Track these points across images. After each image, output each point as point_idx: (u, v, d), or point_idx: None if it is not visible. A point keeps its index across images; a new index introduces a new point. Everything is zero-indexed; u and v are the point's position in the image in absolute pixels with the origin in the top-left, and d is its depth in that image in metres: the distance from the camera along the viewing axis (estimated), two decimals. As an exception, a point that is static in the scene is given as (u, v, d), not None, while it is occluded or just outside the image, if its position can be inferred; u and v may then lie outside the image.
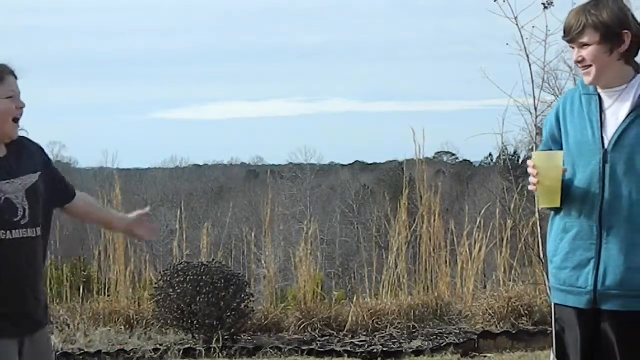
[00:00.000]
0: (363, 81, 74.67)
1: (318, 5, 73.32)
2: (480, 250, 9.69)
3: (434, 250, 9.81)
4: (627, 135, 3.56)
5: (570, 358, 3.71)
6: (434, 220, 9.84)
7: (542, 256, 9.21)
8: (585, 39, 3.60)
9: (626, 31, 3.58)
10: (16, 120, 3.81)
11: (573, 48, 3.67)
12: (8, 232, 3.73)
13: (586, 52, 3.61)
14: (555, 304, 3.78)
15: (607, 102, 3.65)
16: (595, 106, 3.65)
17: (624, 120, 3.58)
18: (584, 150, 3.62)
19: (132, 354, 8.40)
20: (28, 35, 69.18)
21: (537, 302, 9.12)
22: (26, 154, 3.89)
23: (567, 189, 3.65)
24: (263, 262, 11.03)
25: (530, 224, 9.45)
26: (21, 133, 3.93)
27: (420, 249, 9.90)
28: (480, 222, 9.78)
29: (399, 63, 72.93)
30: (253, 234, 11.11)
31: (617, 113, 3.62)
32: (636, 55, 3.66)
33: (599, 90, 3.66)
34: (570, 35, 3.65)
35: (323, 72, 72.50)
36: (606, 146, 3.58)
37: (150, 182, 48.69)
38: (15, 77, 3.83)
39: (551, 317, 3.84)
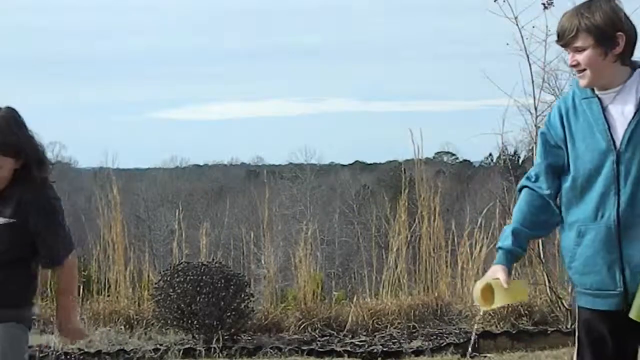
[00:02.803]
0: (363, 81, 74.69)
1: (318, 5, 73.30)
2: (480, 250, 9.68)
3: (434, 250, 9.81)
4: (636, 133, 3.54)
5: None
6: (434, 220, 9.83)
7: (542, 256, 9.22)
8: (579, 43, 3.58)
9: (620, 33, 3.56)
10: None
11: (568, 52, 3.66)
12: None
13: (581, 57, 3.59)
14: (581, 308, 3.73)
15: (607, 102, 3.62)
16: (597, 109, 3.62)
17: (632, 119, 3.56)
18: (595, 154, 3.59)
19: (132, 354, 8.40)
20: (28, 35, 69.18)
21: (537, 302, 9.12)
22: (5, 197, 3.87)
23: (580, 193, 3.63)
24: (263, 262, 11.03)
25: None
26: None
27: (420, 249, 9.89)
28: (480, 222, 9.78)
29: (399, 63, 72.89)
30: (253, 234, 11.11)
31: (622, 112, 3.59)
32: (631, 55, 3.64)
33: (597, 92, 3.63)
34: (564, 40, 3.64)
35: (323, 72, 72.46)
36: (618, 147, 3.56)
37: (150, 182, 48.66)
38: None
39: (575, 321, 3.81)
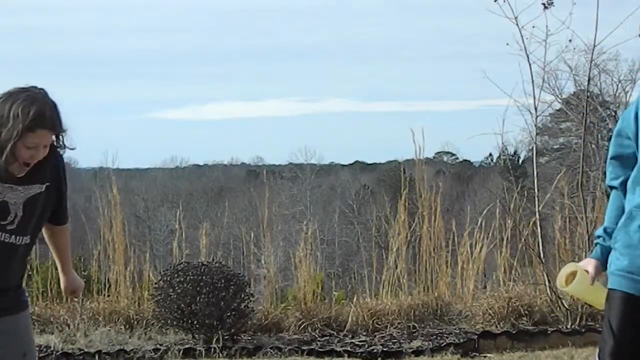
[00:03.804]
0: (363, 81, 74.72)
1: (318, 5, 73.30)
2: (480, 250, 9.68)
3: (434, 250, 9.80)
4: None
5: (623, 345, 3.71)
6: (434, 220, 9.83)
7: (542, 256, 9.21)
8: None
9: None
10: (27, 165, 3.84)
11: None
12: None
13: None
14: (611, 289, 3.77)
15: None
16: None
17: None
18: None
19: (132, 354, 8.39)
20: (28, 35, 69.18)
21: (537, 302, 9.11)
22: (42, 165, 3.91)
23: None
24: (263, 262, 11.03)
25: (531, 224, 9.45)
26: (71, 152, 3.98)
27: (420, 249, 9.89)
28: (480, 222, 9.77)
29: (399, 63, 72.92)
30: (253, 234, 11.11)
31: None
32: None
33: None
34: None
35: (323, 72, 72.49)
36: None
37: (150, 182, 48.69)
38: (51, 129, 3.83)
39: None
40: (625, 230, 3.71)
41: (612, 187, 3.86)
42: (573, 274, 3.76)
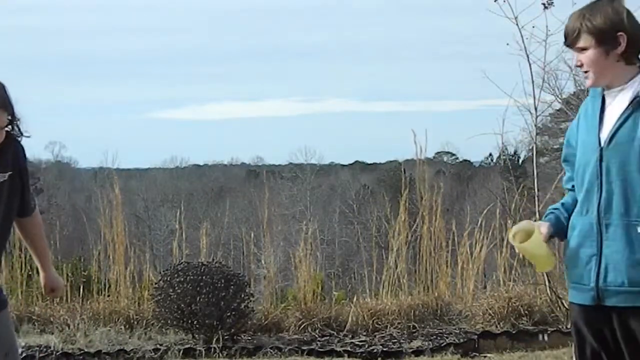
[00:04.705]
0: (363, 81, 74.79)
1: (317, 5, 73.33)
2: (480, 250, 9.68)
3: (434, 250, 9.80)
4: (619, 133, 3.62)
5: (586, 351, 3.76)
6: (435, 220, 9.83)
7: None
8: (581, 44, 3.67)
9: (621, 33, 3.62)
10: None
11: (573, 53, 3.75)
12: None
13: (584, 57, 3.68)
14: (570, 302, 3.84)
15: (608, 101, 3.71)
16: (597, 107, 3.71)
17: (617, 119, 3.63)
18: (586, 150, 3.69)
19: (132, 354, 8.39)
20: (28, 35, 69.17)
21: (537, 302, 9.11)
22: (1, 154, 3.90)
23: (579, 187, 3.73)
24: (263, 262, 11.04)
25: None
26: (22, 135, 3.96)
27: (420, 249, 9.89)
28: (480, 222, 9.78)
29: (399, 63, 72.95)
30: (253, 234, 11.11)
31: (613, 112, 3.67)
32: (637, 54, 3.69)
33: (604, 92, 3.72)
34: (568, 41, 3.73)
35: (323, 71, 72.54)
36: (602, 144, 3.64)
37: (150, 182, 48.69)
38: (1, 107, 3.83)
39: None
40: (570, 240, 3.75)
41: (568, 189, 3.89)
42: (526, 233, 3.76)
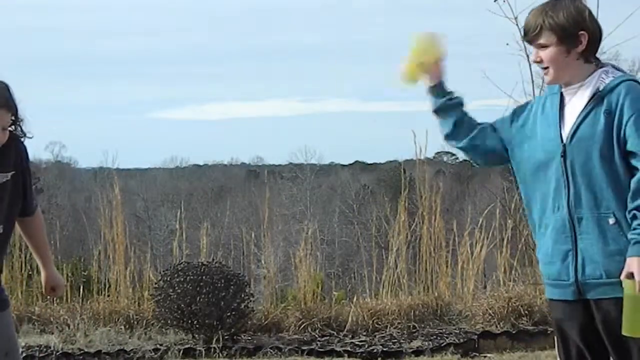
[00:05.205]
0: (363, 81, 74.75)
1: (317, 5, 73.34)
2: (480, 250, 9.68)
3: (434, 250, 9.80)
4: (581, 128, 3.65)
5: (570, 349, 3.78)
6: (434, 220, 9.83)
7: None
8: (542, 41, 3.71)
9: (582, 32, 3.65)
10: None
11: (533, 48, 3.78)
12: None
13: (544, 53, 3.71)
14: (548, 299, 3.87)
15: (567, 99, 3.74)
16: (556, 104, 3.74)
17: (578, 115, 3.66)
18: (548, 148, 3.71)
19: (132, 354, 8.40)
20: (28, 35, 69.20)
21: (537, 302, 9.11)
22: (4, 153, 3.91)
23: (533, 183, 3.78)
24: (263, 262, 11.03)
25: (531, 224, 9.43)
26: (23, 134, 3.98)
27: (420, 249, 9.89)
28: (481, 222, 9.78)
29: (399, 63, 72.83)
30: (253, 234, 11.11)
31: (574, 109, 3.70)
32: (595, 52, 3.73)
33: (562, 89, 3.74)
34: (529, 37, 3.77)
35: (323, 71, 72.52)
36: (564, 141, 3.67)
37: (150, 182, 48.68)
38: (5, 107, 3.85)
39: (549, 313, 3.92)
40: (542, 239, 3.77)
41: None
42: (415, 69, 4.01)
